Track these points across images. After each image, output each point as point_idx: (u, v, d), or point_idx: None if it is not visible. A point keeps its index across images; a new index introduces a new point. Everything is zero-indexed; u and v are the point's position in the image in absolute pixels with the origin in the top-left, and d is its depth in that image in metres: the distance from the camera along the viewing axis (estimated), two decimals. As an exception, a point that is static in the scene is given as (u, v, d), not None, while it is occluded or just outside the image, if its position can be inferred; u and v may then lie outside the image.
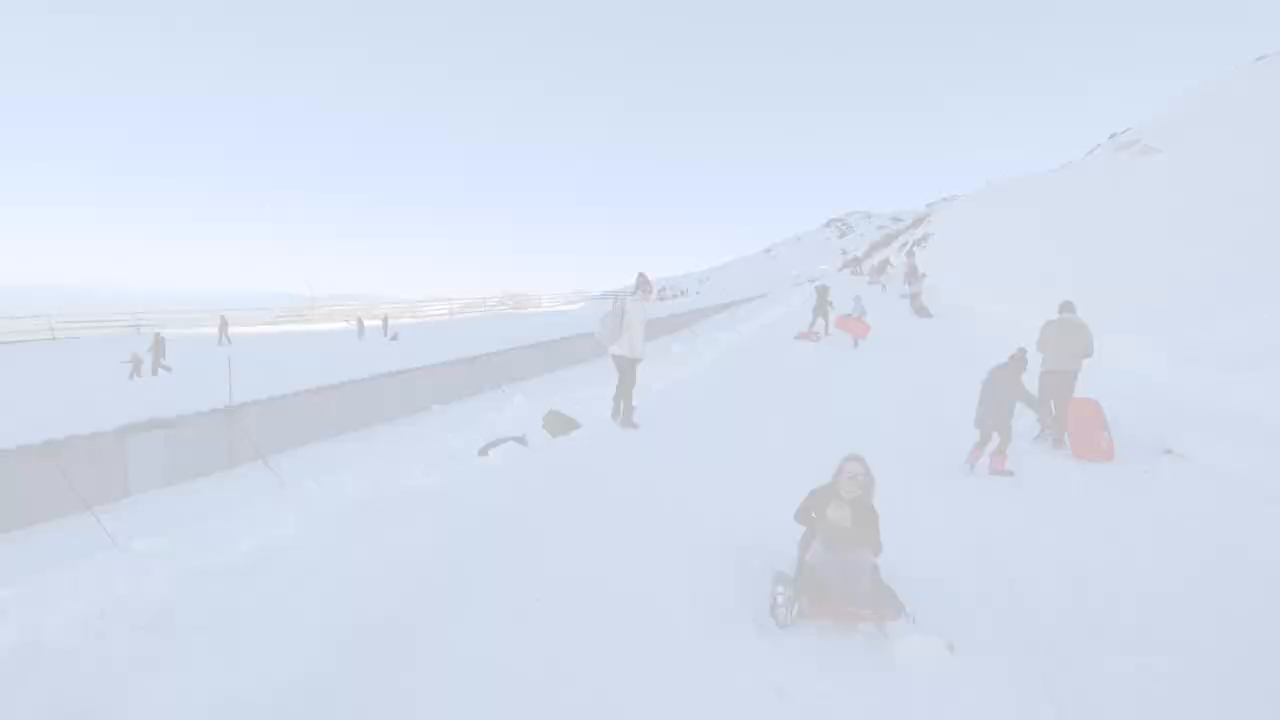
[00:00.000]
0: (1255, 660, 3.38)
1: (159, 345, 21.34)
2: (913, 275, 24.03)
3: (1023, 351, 7.21)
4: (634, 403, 8.35)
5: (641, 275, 8.27)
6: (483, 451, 7.08)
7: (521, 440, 7.27)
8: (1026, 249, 22.58)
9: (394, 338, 28.19)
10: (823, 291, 17.70)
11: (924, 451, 7.60)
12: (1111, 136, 39.15)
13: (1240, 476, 5.96)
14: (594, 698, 3.19)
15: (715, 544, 5.07)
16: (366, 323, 35.38)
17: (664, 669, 3.41)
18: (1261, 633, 3.64)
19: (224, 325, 28.81)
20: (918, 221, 56.57)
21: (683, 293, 59.90)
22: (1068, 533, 5.26)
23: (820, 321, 17.23)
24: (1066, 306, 8.20)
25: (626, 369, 8.15)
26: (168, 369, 20.71)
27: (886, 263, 37.23)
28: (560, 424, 8.40)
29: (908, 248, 41.32)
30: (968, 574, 4.60)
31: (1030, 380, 7.40)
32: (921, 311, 20.78)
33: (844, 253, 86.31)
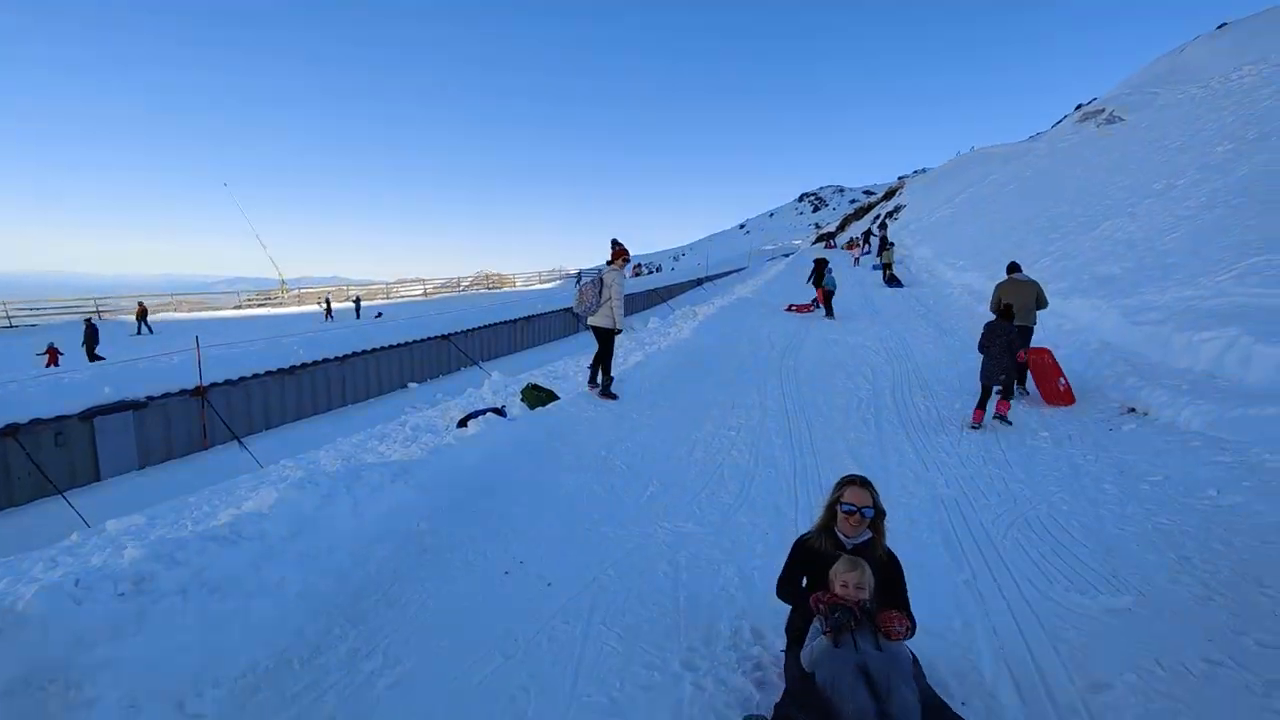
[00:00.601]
0: (1212, 600, 3.54)
1: (91, 334, 20.48)
2: (883, 246, 24.46)
3: (1009, 307, 7.64)
4: (612, 374, 8.37)
5: (615, 242, 8.22)
6: (461, 422, 7.06)
7: (501, 411, 7.25)
8: (995, 218, 22.90)
9: (378, 316, 27.81)
10: (821, 264, 17.84)
11: (896, 410, 7.77)
12: (1078, 107, 39.70)
13: (1197, 431, 6.18)
14: (577, 651, 3.26)
15: (688, 560, 5.15)
16: (337, 305, 34.79)
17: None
18: (1214, 573, 3.81)
19: (142, 313, 26.88)
20: (890, 194, 56.94)
21: (658, 269, 59.85)
22: (1038, 486, 5.43)
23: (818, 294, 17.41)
24: (1014, 267, 8.78)
25: (606, 340, 8.15)
26: (100, 358, 19.95)
27: (869, 234, 37.41)
28: (539, 396, 8.40)
29: (879, 220, 41.65)
30: (940, 524, 4.73)
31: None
32: (892, 282, 21.06)
33: (817, 227, 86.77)
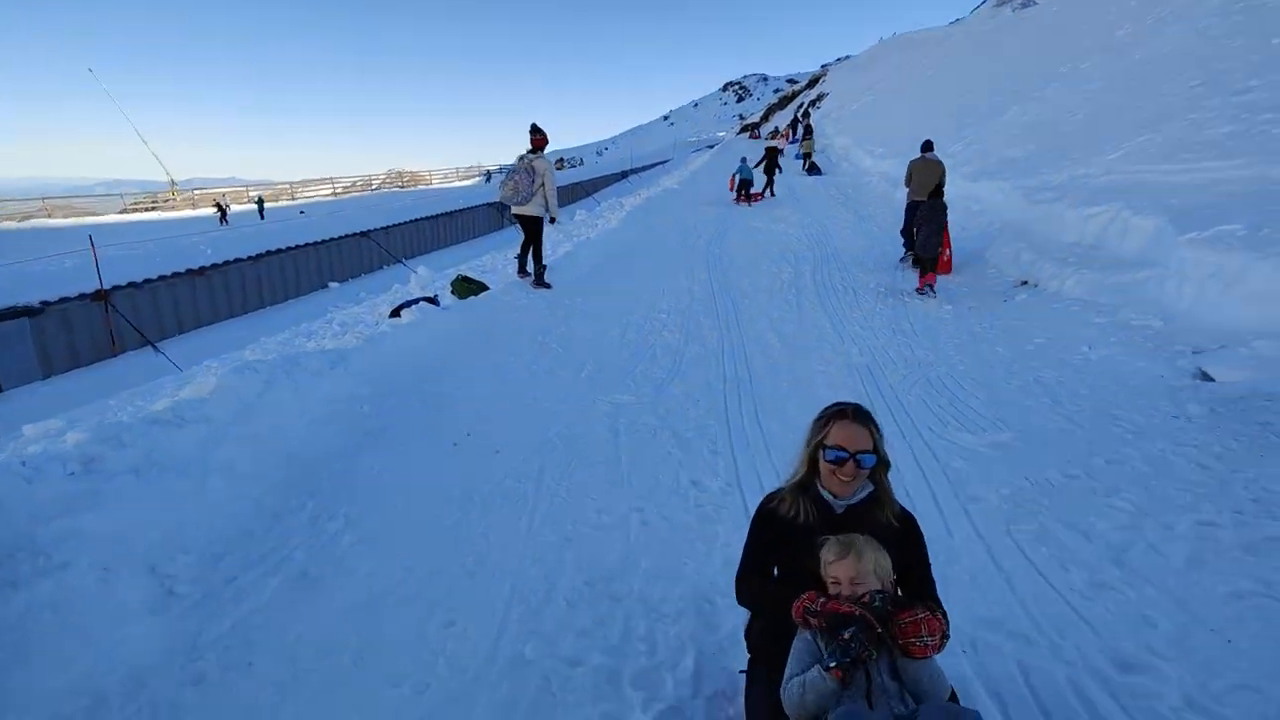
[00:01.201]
0: (1075, 432, 4.14)
1: None
2: (806, 135, 24.59)
3: (940, 185, 8.43)
4: (544, 263, 8.38)
5: (535, 127, 7.96)
6: (394, 312, 7.02)
7: (434, 300, 7.23)
8: (912, 106, 23.21)
9: (301, 213, 26.28)
10: (773, 153, 17.75)
11: (815, 290, 8.21)
12: (997, -9, 39.67)
13: (1078, 298, 6.87)
14: (530, 503, 3.56)
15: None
16: (238, 207, 32.25)
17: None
18: (1079, 411, 4.43)
19: None
20: (813, 82, 56.29)
21: (580, 162, 58.14)
22: (940, 351, 5.98)
23: (768, 182, 17.36)
24: (927, 146, 9.54)
25: (534, 229, 8.08)
26: None
27: (795, 122, 37.07)
28: (469, 288, 8.36)
29: (803, 108, 41.38)
30: (853, 388, 5.21)
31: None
32: (813, 170, 21.38)
33: (741, 118, 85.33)
